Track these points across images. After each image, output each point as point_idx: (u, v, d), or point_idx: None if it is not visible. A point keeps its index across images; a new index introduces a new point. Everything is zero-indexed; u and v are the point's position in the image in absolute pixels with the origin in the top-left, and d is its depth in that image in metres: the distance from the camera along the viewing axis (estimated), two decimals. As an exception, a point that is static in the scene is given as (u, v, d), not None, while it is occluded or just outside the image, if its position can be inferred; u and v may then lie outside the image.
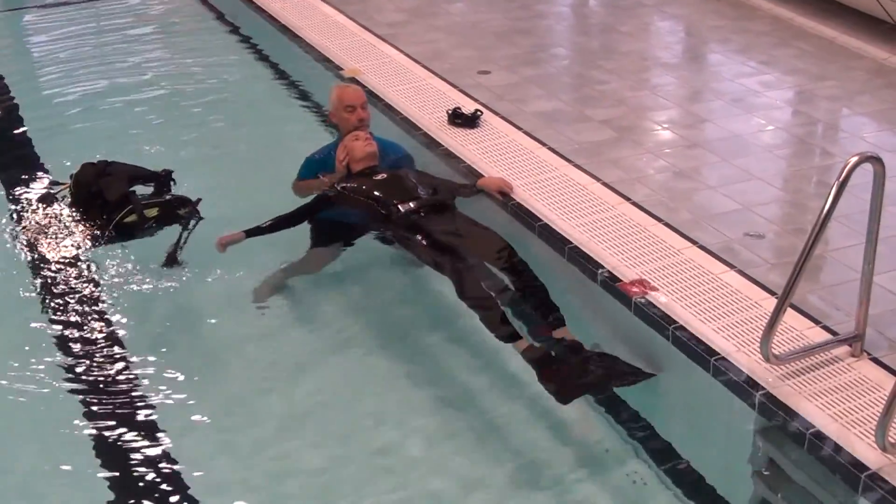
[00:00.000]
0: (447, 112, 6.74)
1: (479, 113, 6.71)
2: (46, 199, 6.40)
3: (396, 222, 5.43)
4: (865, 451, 3.95)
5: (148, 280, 5.75)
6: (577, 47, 8.54)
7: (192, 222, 5.94)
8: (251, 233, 5.64)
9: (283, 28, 8.60)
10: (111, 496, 4.38)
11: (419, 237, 5.32)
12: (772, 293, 4.87)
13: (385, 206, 5.48)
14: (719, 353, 4.50)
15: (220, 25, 9.46)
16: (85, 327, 5.41)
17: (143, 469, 4.52)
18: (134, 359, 5.19)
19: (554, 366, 4.67)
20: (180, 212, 5.97)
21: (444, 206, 5.58)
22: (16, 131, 7.69)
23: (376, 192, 5.57)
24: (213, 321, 5.58)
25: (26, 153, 7.30)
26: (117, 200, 5.88)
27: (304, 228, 5.83)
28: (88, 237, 5.91)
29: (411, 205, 5.45)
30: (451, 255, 5.17)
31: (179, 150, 7.10)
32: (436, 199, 5.56)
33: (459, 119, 6.68)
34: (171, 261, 5.84)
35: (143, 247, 5.93)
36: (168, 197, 6.04)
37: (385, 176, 5.72)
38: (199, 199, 6.02)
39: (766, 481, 4.35)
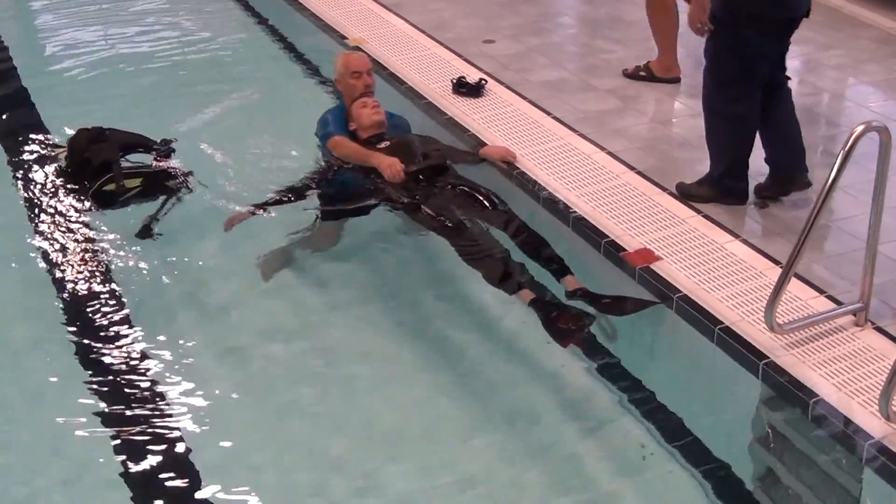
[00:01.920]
0: (451, 81, 6.72)
1: (483, 82, 6.69)
2: (44, 163, 6.36)
3: (398, 188, 5.44)
4: (869, 420, 3.96)
5: (148, 250, 5.70)
6: (582, 16, 8.49)
7: (177, 196, 5.86)
8: (258, 208, 5.63)
9: (288, -3, 8.58)
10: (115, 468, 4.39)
11: (418, 201, 5.35)
12: (776, 262, 4.86)
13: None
14: (723, 323, 4.50)
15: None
16: (80, 293, 5.39)
17: (142, 436, 4.52)
18: (136, 333, 5.15)
19: (555, 312, 4.71)
20: (168, 184, 5.90)
21: (444, 169, 5.60)
22: (17, 95, 7.66)
23: None
24: (216, 291, 5.55)
25: (28, 116, 7.27)
26: (98, 167, 5.84)
27: (310, 201, 5.80)
28: (75, 203, 5.89)
29: (412, 168, 5.48)
30: (449, 217, 5.20)
31: (180, 119, 7.05)
32: (432, 163, 5.59)
33: (464, 88, 6.67)
34: (146, 232, 5.73)
35: (189, 206, 5.91)
36: (155, 168, 5.97)
37: (391, 143, 5.73)
38: (190, 172, 5.97)
39: (769, 450, 4.36)
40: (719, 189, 5.43)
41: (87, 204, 5.88)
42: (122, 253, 5.68)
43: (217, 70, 8.02)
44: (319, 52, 7.95)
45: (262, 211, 5.65)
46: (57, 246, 5.71)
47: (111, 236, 5.78)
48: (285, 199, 5.68)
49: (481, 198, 5.41)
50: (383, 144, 5.72)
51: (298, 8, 8.39)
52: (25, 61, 8.25)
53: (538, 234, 5.22)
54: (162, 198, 5.86)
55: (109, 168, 5.82)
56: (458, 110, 6.48)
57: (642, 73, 6.96)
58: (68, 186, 6.03)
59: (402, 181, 5.46)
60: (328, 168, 5.76)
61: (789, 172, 5.45)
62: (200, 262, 5.69)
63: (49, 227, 5.83)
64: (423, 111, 6.59)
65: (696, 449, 4.42)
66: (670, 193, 5.50)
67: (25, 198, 6.11)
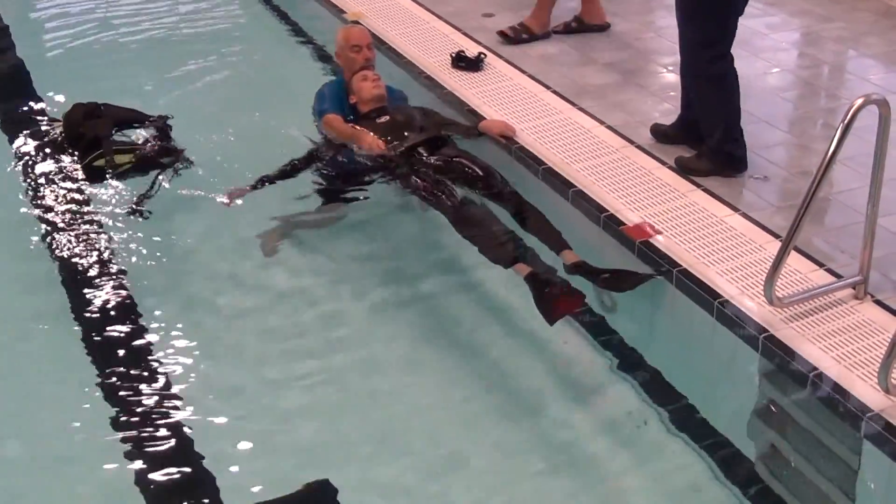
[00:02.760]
0: (450, 56, 6.70)
1: (482, 56, 6.67)
2: (39, 137, 6.35)
3: (396, 161, 5.46)
4: (868, 393, 3.96)
5: (142, 227, 5.67)
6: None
7: (172, 172, 5.83)
8: (258, 183, 5.63)
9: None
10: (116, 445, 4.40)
11: (416, 174, 5.36)
12: (776, 236, 4.86)
13: (395, 146, 5.52)
14: (723, 296, 4.50)
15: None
16: (78, 264, 5.38)
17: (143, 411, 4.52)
18: (137, 309, 5.14)
19: (547, 288, 4.69)
20: (161, 160, 5.87)
21: (443, 142, 5.60)
22: (13, 68, 7.65)
23: (385, 134, 5.59)
24: (211, 269, 5.52)
25: (24, 89, 7.25)
26: (89, 142, 5.84)
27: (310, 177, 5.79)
28: (70, 177, 5.88)
29: (410, 142, 5.50)
30: (445, 190, 5.21)
31: (178, 94, 7.04)
32: (429, 136, 5.59)
33: (463, 62, 6.65)
34: (136, 209, 5.69)
35: (183, 183, 5.87)
36: (147, 145, 5.96)
37: (391, 117, 5.72)
38: (184, 149, 5.95)
39: (769, 423, 4.38)
40: (720, 158, 5.43)
41: (80, 178, 5.86)
42: (114, 228, 5.64)
43: (215, 45, 7.98)
44: (318, 27, 7.93)
45: (263, 185, 5.64)
46: (50, 219, 5.68)
47: (104, 210, 5.74)
48: (287, 174, 5.67)
49: (479, 171, 5.41)
50: (384, 118, 5.72)
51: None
52: (21, 34, 8.21)
53: (536, 208, 5.22)
54: (154, 174, 5.83)
55: (100, 144, 5.81)
56: (457, 84, 6.47)
57: (574, 25, 7.23)
58: (63, 161, 6.01)
59: (389, 155, 5.47)
60: (329, 146, 5.74)
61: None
62: (190, 240, 5.66)
63: (43, 202, 5.80)
64: (422, 85, 6.57)
65: (695, 423, 4.42)
66: (670, 167, 5.50)
67: (23, 171, 6.08)
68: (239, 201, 5.65)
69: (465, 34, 7.21)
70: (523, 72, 6.64)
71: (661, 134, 5.76)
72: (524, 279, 4.78)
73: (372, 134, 5.59)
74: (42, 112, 6.78)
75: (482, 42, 7.07)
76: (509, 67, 6.71)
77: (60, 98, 6.83)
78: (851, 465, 4.03)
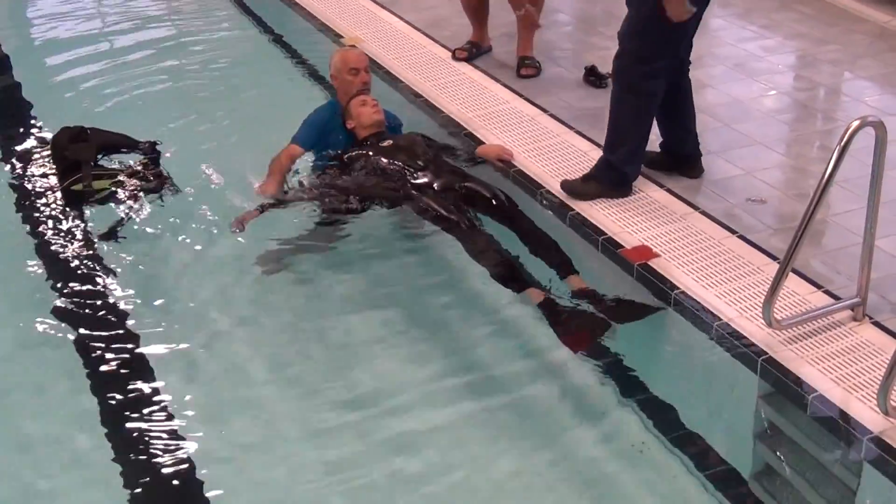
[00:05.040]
0: (585, 67, 6.81)
1: (607, 76, 6.59)
2: (29, 160, 6.37)
3: (408, 187, 5.44)
4: (867, 415, 3.97)
5: (128, 252, 5.64)
6: (578, 13, 8.49)
7: (154, 198, 5.81)
8: (265, 207, 5.59)
9: (283, -4, 8.58)
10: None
11: (428, 199, 5.35)
12: (774, 258, 4.87)
13: (400, 171, 5.51)
14: (722, 319, 4.50)
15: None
16: (73, 290, 5.37)
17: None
18: (131, 327, 5.13)
19: (565, 315, 4.70)
20: (142, 186, 5.84)
21: (452, 168, 5.63)
22: (9, 90, 7.69)
23: (388, 159, 5.59)
24: (212, 288, 5.50)
25: (19, 111, 7.30)
26: (67, 166, 5.86)
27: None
28: (53, 201, 5.89)
29: (425, 168, 5.50)
30: (458, 215, 5.22)
31: (174, 118, 7.03)
32: (446, 163, 5.63)
33: (593, 76, 6.73)
34: (110, 234, 5.66)
35: (165, 210, 5.85)
36: (129, 171, 5.94)
37: (393, 142, 5.72)
38: (168, 176, 5.94)
39: (768, 446, 4.37)
40: (614, 178, 5.42)
41: (61, 202, 5.87)
42: (96, 255, 5.61)
43: (210, 69, 7.99)
44: (314, 51, 7.95)
45: (269, 210, 5.60)
46: (35, 242, 5.70)
47: (85, 237, 5.72)
48: (293, 199, 5.64)
49: (488, 194, 5.42)
50: (386, 143, 5.72)
51: (293, 6, 8.39)
52: (19, 59, 8.24)
53: (544, 232, 5.23)
54: (130, 202, 5.81)
55: (80, 168, 5.82)
56: (455, 108, 6.48)
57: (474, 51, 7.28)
58: (48, 184, 6.03)
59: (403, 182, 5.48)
60: (333, 171, 5.73)
61: (685, 154, 5.58)
62: (188, 267, 5.60)
63: (30, 225, 5.83)
64: (420, 109, 6.59)
65: (693, 444, 4.42)
66: (667, 190, 5.51)
67: (13, 195, 6.11)
68: (247, 228, 5.58)
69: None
70: (520, 95, 6.66)
71: (649, 161, 5.71)
72: (538, 305, 4.79)
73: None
74: (35, 136, 6.79)
75: (479, 66, 7.10)
76: (506, 91, 6.74)
77: (52, 120, 6.80)
78: (850, 487, 4.03)
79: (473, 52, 7.22)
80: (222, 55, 8.29)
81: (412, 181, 5.47)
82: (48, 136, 6.66)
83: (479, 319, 5.22)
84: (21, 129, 6.92)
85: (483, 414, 4.63)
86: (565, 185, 5.49)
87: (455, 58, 7.17)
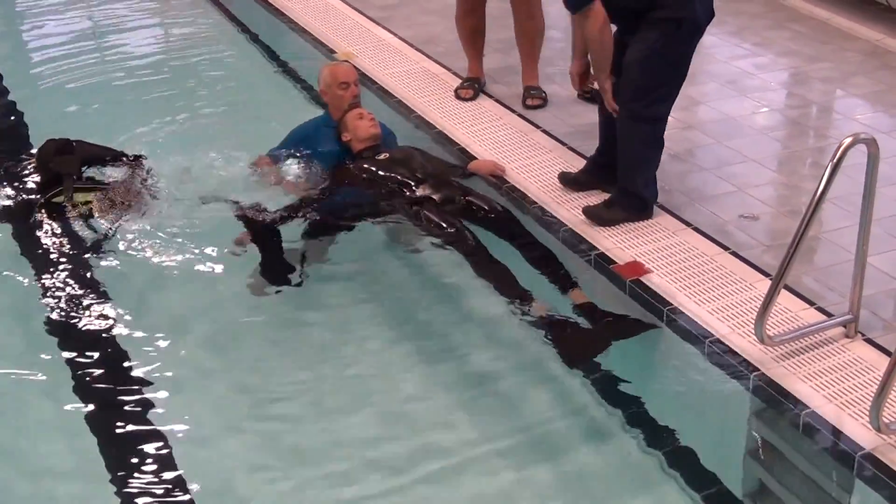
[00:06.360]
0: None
1: None
2: (14, 172, 6.32)
3: (409, 201, 5.44)
4: (860, 432, 3.97)
5: (124, 261, 5.63)
6: (570, 30, 8.48)
7: (136, 212, 5.78)
8: (269, 226, 5.56)
9: (277, 11, 8.57)
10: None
11: (429, 213, 5.34)
12: (766, 275, 4.88)
13: (399, 185, 5.51)
14: (714, 335, 4.50)
15: (213, 7, 9.40)
16: (61, 301, 5.35)
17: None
18: (119, 340, 5.10)
19: (566, 330, 4.72)
20: (125, 200, 5.82)
21: (450, 181, 5.63)
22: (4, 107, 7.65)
23: (385, 172, 5.59)
24: (210, 300, 5.49)
25: (15, 129, 7.27)
26: (49, 179, 5.86)
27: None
28: (37, 214, 5.86)
29: (424, 181, 5.49)
30: (462, 229, 5.23)
31: (166, 131, 7.03)
32: (444, 176, 5.63)
33: (587, 93, 6.52)
34: (95, 247, 5.64)
35: (149, 223, 5.81)
36: (112, 184, 5.93)
37: (390, 156, 5.72)
38: (152, 188, 5.91)
39: (760, 463, 4.36)
40: (635, 204, 5.37)
41: (43, 214, 5.84)
42: (79, 267, 5.58)
43: (203, 84, 7.99)
44: (308, 67, 7.95)
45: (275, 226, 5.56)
46: (19, 251, 5.69)
47: (65, 249, 5.68)
48: (286, 218, 5.57)
49: (488, 208, 5.42)
50: (382, 156, 5.71)
51: (287, 21, 8.40)
52: (11, 72, 8.22)
53: (545, 246, 5.25)
54: (114, 214, 5.78)
55: (59, 181, 5.81)
56: (448, 124, 6.49)
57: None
58: (31, 197, 6.00)
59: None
60: (329, 184, 5.72)
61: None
62: (173, 279, 5.57)
63: (12, 237, 5.81)
64: (414, 125, 6.59)
65: (686, 460, 4.41)
66: (660, 206, 5.51)
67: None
68: (246, 247, 5.57)
69: (456, 74, 7.23)
70: (513, 111, 6.67)
71: (571, 181, 5.67)
72: (540, 318, 4.79)
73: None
74: (20, 147, 6.75)
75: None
76: (499, 107, 6.75)
77: (39, 132, 6.75)
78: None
79: (476, 89, 6.97)
80: (215, 71, 8.28)
81: (411, 194, 5.47)
82: (33, 149, 6.67)
83: (476, 333, 5.22)
84: (7, 141, 6.91)
85: (475, 426, 4.63)
86: (588, 212, 5.40)
87: (461, 98, 6.92)
